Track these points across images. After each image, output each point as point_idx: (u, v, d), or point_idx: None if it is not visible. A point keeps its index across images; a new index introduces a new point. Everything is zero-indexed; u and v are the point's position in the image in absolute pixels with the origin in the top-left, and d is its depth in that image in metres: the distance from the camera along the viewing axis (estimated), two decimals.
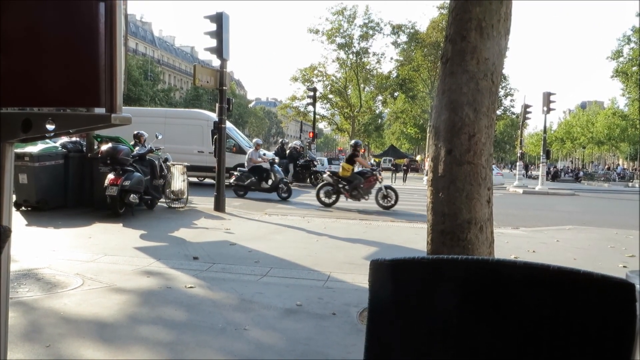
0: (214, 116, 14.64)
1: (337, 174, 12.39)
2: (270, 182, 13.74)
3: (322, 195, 12.36)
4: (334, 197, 12.31)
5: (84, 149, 9.93)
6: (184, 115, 19.31)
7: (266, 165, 14.12)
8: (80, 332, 3.49)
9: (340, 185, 12.17)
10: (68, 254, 5.75)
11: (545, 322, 0.86)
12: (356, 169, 12.56)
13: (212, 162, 12.89)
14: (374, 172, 12.23)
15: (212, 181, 14.02)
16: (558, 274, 0.86)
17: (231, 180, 13.85)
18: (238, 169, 14.44)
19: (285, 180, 14.08)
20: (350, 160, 12.55)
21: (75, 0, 0.75)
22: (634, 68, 34.87)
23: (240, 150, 17.36)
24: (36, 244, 6.17)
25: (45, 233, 7.09)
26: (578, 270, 0.85)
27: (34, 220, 7.89)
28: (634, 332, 0.78)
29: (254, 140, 15.57)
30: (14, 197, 8.26)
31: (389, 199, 12.10)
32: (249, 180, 13.72)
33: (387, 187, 12.32)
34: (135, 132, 10.65)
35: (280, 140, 24.86)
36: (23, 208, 8.81)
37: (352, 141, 13.83)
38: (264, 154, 16.87)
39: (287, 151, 20.82)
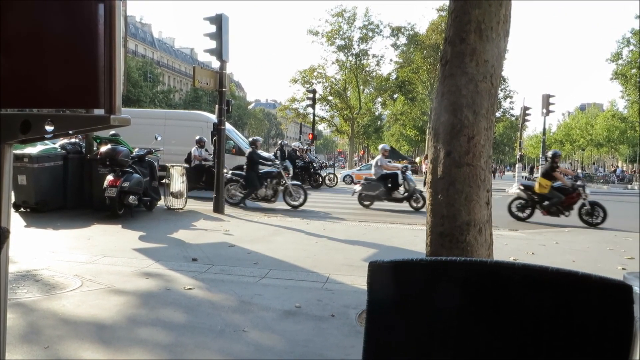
0: (213, 117, 14.65)
1: (532, 189, 11.12)
2: (402, 190, 12.42)
3: (514, 208, 11.28)
4: (528, 211, 11.18)
5: (83, 150, 9.93)
6: (184, 117, 19.30)
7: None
8: (79, 334, 3.48)
9: (537, 201, 11.03)
10: (67, 255, 5.74)
11: (544, 324, 0.86)
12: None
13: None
14: (577, 189, 10.77)
15: None
16: (556, 276, 0.87)
17: (356, 188, 13.04)
18: (364, 177, 13.31)
19: (420, 189, 12.60)
20: (548, 175, 11.03)
21: (75, 1, 0.75)
22: (633, 70, 34.89)
23: (240, 152, 17.32)
24: (35, 245, 6.16)
25: (44, 234, 7.08)
26: (576, 272, 0.85)
27: (32, 222, 7.88)
28: (632, 333, 0.78)
29: (381, 146, 13.78)
30: (12, 198, 8.25)
31: (595, 216, 10.69)
32: (379, 190, 12.37)
33: (592, 203, 10.79)
34: (198, 137, 12.50)
35: (279, 141, 24.81)
36: (22, 209, 8.80)
37: (550, 152, 11.82)
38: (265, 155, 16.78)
39: (285, 152, 20.83)
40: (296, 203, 11.73)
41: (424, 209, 11.69)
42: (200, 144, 13.86)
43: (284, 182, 11.79)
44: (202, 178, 13.36)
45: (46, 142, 9.43)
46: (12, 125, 0.78)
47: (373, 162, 13.36)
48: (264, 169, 11.90)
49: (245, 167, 12.08)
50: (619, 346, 0.79)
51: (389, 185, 12.41)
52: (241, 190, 11.77)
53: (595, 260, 6.78)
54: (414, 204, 12.36)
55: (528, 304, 0.89)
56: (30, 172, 8.63)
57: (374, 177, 12.70)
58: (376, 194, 12.44)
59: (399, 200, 12.44)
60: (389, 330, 1.00)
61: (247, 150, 15.42)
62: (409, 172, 12.82)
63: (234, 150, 17.03)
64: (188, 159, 13.60)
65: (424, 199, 11.83)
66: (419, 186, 12.04)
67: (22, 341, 3.28)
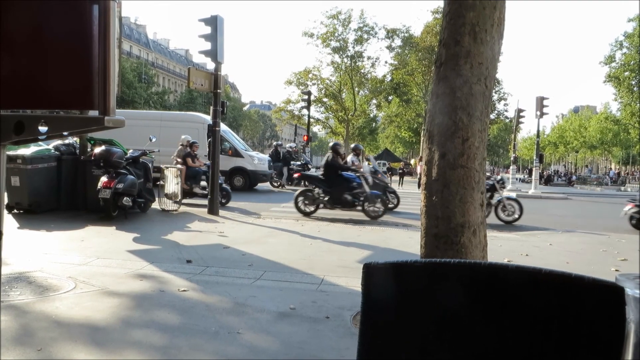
0: (208, 119, 14.61)
1: None
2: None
3: None
4: None
5: (77, 151, 9.88)
6: (179, 118, 19.26)
7: None
8: (72, 336, 3.46)
9: None
10: (60, 257, 5.70)
11: (537, 325, 0.86)
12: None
13: None
14: None
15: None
16: (550, 278, 0.87)
17: (627, 209, 11.08)
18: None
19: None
20: None
21: (69, 2, 0.75)
22: (626, 73, 35.17)
23: (236, 153, 17.32)
24: (28, 247, 6.12)
25: (37, 236, 7.04)
26: (570, 273, 0.86)
27: (26, 223, 7.83)
28: (624, 334, 0.79)
29: None
30: (6, 200, 8.20)
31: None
32: None
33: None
34: (354, 145, 11.46)
35: (274, 143, 24.79)
36: (15, 211, 8.74)
37: None
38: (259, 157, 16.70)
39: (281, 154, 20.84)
40: (510, 218, 10.68)
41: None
42: (356, 151, 12.30)
43: (497, 195, 10.88)
44: None
45: (40, 143, 9.38)
46: (6, 126, 0.77)
47: None
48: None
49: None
50: (611, 347, 0.80)
51: None
52: None
53: (588, 262, 6.81)
54: None
55: (522, 305, 0.89)
56: (24, 173, 8.58)
57: None
58: None
59: None
60: (384, 332, 1.00)
61: (244, 151, 14.85)
62: None
63: (230, 151, 17.03)
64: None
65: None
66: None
67: (15, 343, 3.26)
